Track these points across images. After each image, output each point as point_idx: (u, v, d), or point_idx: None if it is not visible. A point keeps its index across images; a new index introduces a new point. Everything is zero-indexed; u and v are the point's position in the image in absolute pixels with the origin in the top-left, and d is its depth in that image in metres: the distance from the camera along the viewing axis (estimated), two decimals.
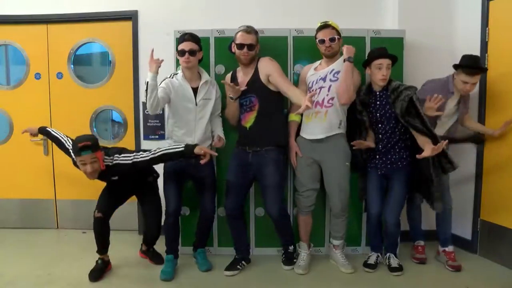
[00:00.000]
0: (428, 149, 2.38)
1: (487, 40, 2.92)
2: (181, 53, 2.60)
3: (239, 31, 2.64)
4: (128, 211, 3.68)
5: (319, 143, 2.67)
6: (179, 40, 2.64)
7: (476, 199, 3.02)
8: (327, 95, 2.63)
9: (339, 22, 2.72)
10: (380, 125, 2.68)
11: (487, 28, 2.91)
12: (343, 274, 2.75)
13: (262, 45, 2.79)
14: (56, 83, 3.67)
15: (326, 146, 2.67)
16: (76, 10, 3.51)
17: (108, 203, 2.76)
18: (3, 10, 3.56)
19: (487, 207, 2.97)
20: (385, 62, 2.58)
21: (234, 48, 2.67)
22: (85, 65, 3.84)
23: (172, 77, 2.70)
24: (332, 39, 2.61)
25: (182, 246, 3.11)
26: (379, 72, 2.58)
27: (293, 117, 2.79)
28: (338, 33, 2.64)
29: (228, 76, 2.82)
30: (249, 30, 2.63)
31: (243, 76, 2.74)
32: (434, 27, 3.22)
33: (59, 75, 3.66)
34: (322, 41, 2.63)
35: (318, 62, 2.78)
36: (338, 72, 2.60)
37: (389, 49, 2.92)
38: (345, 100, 2.58)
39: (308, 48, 2.89)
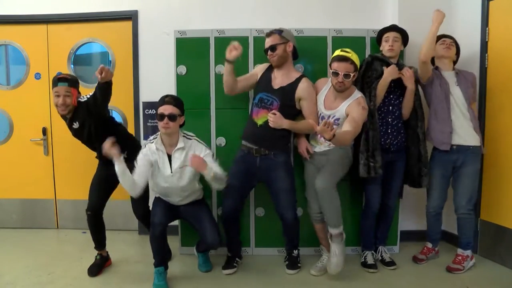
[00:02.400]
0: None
1: (487, 40, 2.92)
2: (160, 117, 2.41)
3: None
4: (128, 211, 3.67)
5: (322, 155, 2.67)
6: (159, 102, 2.46)
7: (476, 199, 3.01)
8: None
9: (339, 22, 2.71)
10: (392, 96, 2.71)
11: (487, 28, 2.91)
12: (342, 273, 2.66)
13: (262, 45, 2.78)
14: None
15: (327, 155, 2.65)
16: (76, 10, 3.51)
17: (97, 197, 2.75)
18: (3, 10, 3.56)
19: (487, 207, 2.97)
20: (391, 34, 2.72)
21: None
22: (85, 65, 3.85)
23: (152, 142, 2.54)
24: (346, 76, 2.46)
25: (182, 246, 3.12)
26: (386, 44, 2.71)
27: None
28: (356, 68, 2.50)
29: (267, 65, 2.74)
30: (268, 32, 2.63)
31: (277, 76, 2.68)
32: None
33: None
34: (336, 74, 2.48)
35: (328, 88, 2.66)
36: (338, 119, 2.57)
37: None
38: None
39: (308, 48, 2.89)
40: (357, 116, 2.45)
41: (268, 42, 2.63)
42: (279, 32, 2.62)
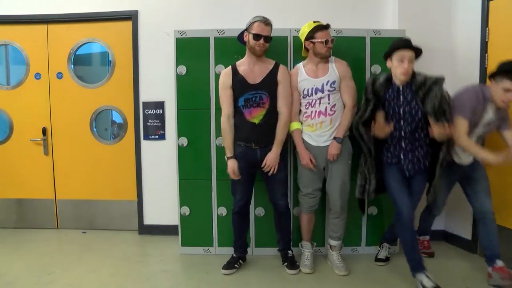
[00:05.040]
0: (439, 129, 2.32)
1: (487, 40, 2.92)
2: None
3: (256, 21, 2.58)
4: (128, 211, 3.69)
5: (325, 147, 2.68)
6: None
7: None
8: (329, 103, 2.64)
9: (339, 22, 2.73)
10: (403, 122, 2.45)
11: (487, 28, 2.91)
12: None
13: None
14: (56, 83, 3.67)
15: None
16: (76, 10, 3.51)
17: None
18: (3, 10, 3.56)
19: None
20: (408, 54, 2.36)
21: (247, 37, 2.61)
22: (85, 65, 3.84)
23: None
24: (332, 41, 2.64)
25: (182, 246, 3.12)
26: (401, 65, 2.37)
27: (296, 125, 2.73)
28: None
29: (229, 70, 2.68)
30: (268, 22, 2.60)
31: (251, 69, 2.65)
32: (434, 27, 3.22)
33: (59, 75, 3.66)
34: (326, 42, 2.60)
35: (301, 64, 2.75)
36: (334, 82, 2.63)
37: None
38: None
39: None
40: (348, 79, 2.68)
41: (264, 30, 2.57)
42: (271, 26, 2.65)
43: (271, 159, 2.62)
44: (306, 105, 2.69)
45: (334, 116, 2.66)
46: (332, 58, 2.71)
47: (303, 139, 2.73)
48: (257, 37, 2.57)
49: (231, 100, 2.67)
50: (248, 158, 2.67)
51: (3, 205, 3.78)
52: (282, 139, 2.65)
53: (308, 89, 2.66)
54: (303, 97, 2.70)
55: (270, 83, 2.64)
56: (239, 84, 2.64)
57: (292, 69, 2.81)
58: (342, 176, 2.70)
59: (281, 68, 2.68)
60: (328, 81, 2.64)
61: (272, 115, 2.65)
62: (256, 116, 2.64)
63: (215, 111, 3.00)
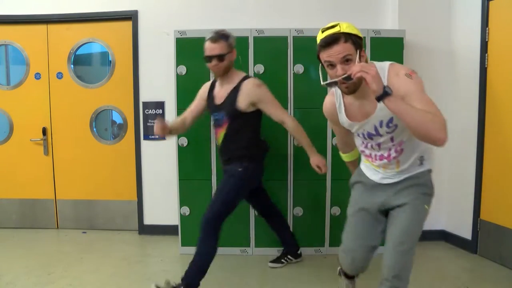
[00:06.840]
0: None
1: (487, 40, 2.91)
2: None
3: (206, 41, 2.33)
4: (128, 211, 3.69)
5: (386, 185, 1.80)
6: None
7: (476, 199, 3.02)
8: (393, 144, 1.70)
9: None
10: None
11: (487, 28, 2.91)
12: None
13: (262, 45, 2.76)
14: (56, 83, 3.67)
15: (398, 185, 1.77)
16: (76, 10, 3.51)
17: None
18: (3, 10, 3.56)
19: (487, 207, 2.96)
20: None
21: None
22: (85, 65, 3.85)
23: None
24: (347, 60, 1.52)
25: (182, 246, 3.12)
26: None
27: (348, 157, 2.09)
28: (356, 42, 1.54)
29: (208, 84, 2.58)
30: (215, 37, 2.29)
31: (220, 89, 2.47)
32: (434, 27, 3.22)
33: (59, 75, 3.66)
34: (332, 67, 1.55)
35: (341, 99, 1.76)
36: (391, 120, 1.62)
37: (389, 49, 2.94)
38: (438, 140, 1.42)
39: (308, 48, 2.87)
40: (415, 96, 1.48)
41: (214, 50, 2.28)
42: (226, 38, 2.32)
43: (313, 161, 2.41)
44: (360, 144, 1.86)
45: (402, 156, 1.72)
46: (385, 69, 1.59)
47: (362, 173, 1.90)
48: (208, 59, 2.33)
49: (192, 111, 2.57)
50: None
51: (3, 205, 3.78)
52: (307, 142, 2.43)
53: (358, 133, 1.79)
54: (356, 136, 1.85)
55: (229, 104, 2.38)
56: (210, 102, 2.52)
57: (325, 99, 1.86)
58: (408, 228, 1.67)
59: (246, 84, 2.36)
60: (381, 122, 1.65)
61: (231, 138, 2.44)
62: (219, 137, 2.52)
63: None
